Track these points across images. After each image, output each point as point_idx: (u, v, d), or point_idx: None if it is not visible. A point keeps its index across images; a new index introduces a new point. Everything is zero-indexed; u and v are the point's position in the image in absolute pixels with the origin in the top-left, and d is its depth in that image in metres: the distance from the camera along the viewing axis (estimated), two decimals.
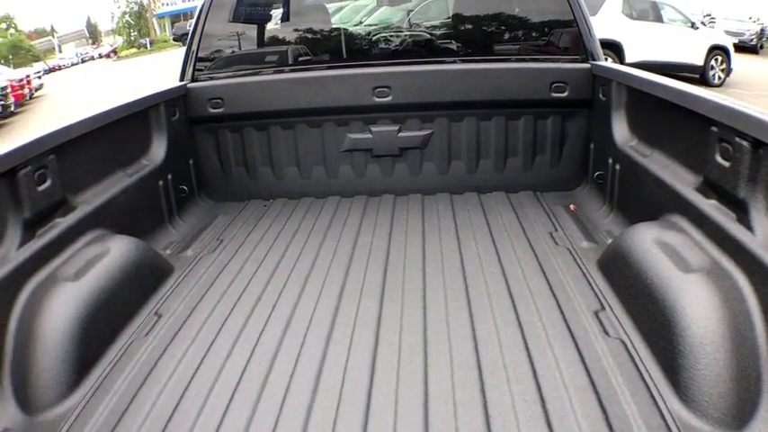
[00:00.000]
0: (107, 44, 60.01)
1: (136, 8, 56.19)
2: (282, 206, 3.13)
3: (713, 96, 1.85)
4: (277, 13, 3.37)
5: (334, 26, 3.37)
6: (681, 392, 1.50)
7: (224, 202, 3.25)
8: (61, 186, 2.14)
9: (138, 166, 2.76)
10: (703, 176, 1.90)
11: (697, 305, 1.55)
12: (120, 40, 57.31)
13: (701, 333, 1.49)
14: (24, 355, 1.68)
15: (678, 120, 2.09)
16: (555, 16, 2.98)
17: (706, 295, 1.56)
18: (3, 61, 40.21)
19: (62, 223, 2.11)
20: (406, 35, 3.24)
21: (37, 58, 51.22)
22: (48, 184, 2.05)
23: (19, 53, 57.12)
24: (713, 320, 1.50)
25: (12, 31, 67.27)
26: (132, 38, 55.25)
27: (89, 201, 2.32)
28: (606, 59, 3.00)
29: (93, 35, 72.23)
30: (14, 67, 31.45)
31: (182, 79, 3.18)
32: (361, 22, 3.52)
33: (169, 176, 2.92)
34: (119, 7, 57.03)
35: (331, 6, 3.53)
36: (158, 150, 2.90)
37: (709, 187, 1.85)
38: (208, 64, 3.18)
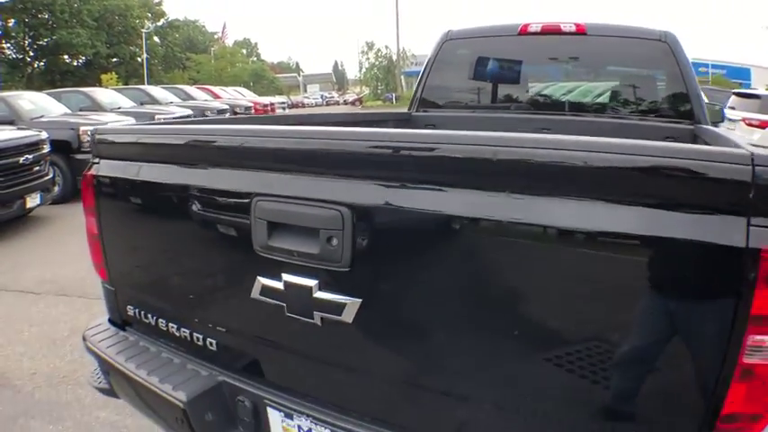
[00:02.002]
0: (353, 92, 58.24)
1: (385, 62, 53.58)
2: None
3: None
4: (485, 72, 4.35)
5: (518, 86, 4.28)
6: None
7: None
8: None
9: None
10: None
11: None
12: (366, 91, 54.24)
13: None
14: None
15: None
16: (671, 88, 3.72)
17: None
18: (242, 85, 37.25)
19: None
20: (567, 98, 4.18)
21: (279, 91, 49.12)
22: None
23: (261, 82, 55.43)
24: None
25: (253, 58, 66.89)
26: (379, 90, 52.16)
27: None
28: None
29: (340, 81, 71.16)
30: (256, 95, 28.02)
31: (409, 110, 4.38)
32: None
33: None
34: (367, 59, 54.73)
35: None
36: None
37: None
38: (428, 101, 4.33)
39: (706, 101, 3.95)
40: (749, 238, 0.98)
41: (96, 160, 1.88)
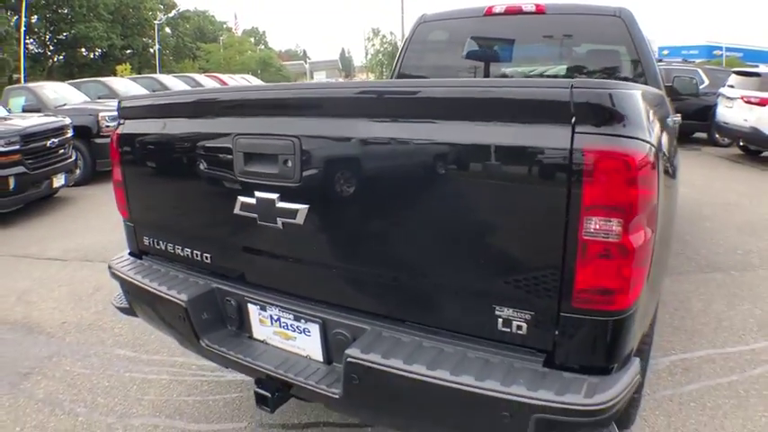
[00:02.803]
0: (359, 79, 59.06)
1: (390, 49, 53.78)
2: None
3: None
4: (454, 50, 4.71)
5: (483, 61, 4.59)
6: None
7: None
8: None
9: None
10: None
11: None
12: (371, 77, 54.66)
13: None
14: None
15: None
16: (626, 59, 3.96)
17: None
18: (250, 73, 37.67)
19: None
20: (526, 69, 4.57)
21: (287, 78, 49.53)
22: None
23: (268, 69, 55.60)
24: None
25: (261, 46, 66.83)
26: (384, 77, 52.17)
27: None
28: None
29: (347, 68, 71.67)
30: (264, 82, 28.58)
31: None
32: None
33: None
34: (373, 45, 54.89)
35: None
36: None
37: None
38: (406, 76, 4.71)
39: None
40: (573, 141, 1.38)
41: (122, 121, 2.39)
